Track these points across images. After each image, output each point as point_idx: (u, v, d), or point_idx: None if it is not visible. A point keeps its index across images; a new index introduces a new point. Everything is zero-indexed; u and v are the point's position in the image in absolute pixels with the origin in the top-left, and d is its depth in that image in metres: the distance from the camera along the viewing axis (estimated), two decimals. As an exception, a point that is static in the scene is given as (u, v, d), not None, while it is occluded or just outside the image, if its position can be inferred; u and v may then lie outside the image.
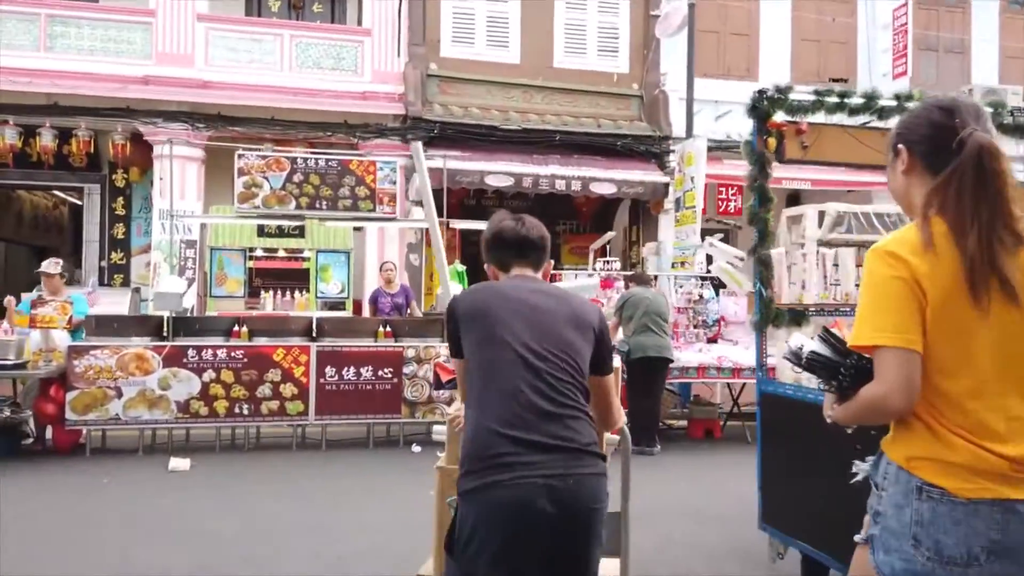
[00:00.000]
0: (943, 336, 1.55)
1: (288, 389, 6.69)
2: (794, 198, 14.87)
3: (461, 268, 8.16)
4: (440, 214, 9.36)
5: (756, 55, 13.00)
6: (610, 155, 11.85)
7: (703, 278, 8.65)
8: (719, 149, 11.95)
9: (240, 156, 7.66)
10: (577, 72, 12.21)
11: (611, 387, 2.29)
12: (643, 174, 11.59)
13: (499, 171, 10.91)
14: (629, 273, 7.90)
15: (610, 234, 11.13)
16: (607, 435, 2.57)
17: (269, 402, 6.66)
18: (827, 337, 1.69)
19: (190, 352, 6.51)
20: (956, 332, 1.56)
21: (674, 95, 12.23)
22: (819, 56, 13.17)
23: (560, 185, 11.08)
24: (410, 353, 6.91)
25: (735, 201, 14.20)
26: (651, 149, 12.08)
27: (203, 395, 6.54)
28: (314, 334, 6.99)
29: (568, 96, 12.13)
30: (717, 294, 8.12)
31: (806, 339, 1.78)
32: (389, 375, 6.87)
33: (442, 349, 6.80)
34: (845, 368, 1.64)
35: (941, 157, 1.63)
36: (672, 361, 6.90)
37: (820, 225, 8.56)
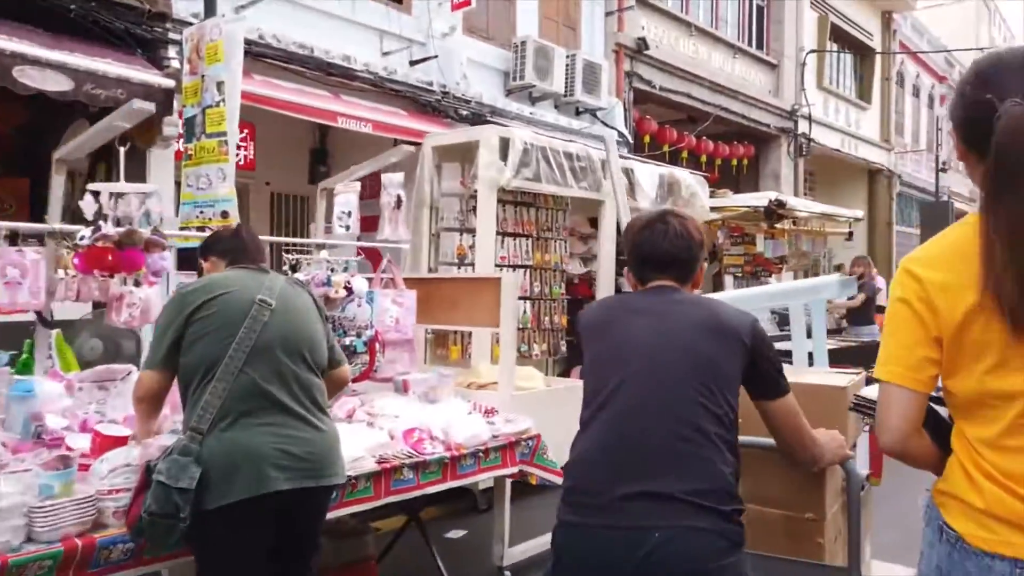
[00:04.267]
0: None
1: None
2: (320, 154, 11.20)
3: None
4: None
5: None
6: (55, 27, 6.42)
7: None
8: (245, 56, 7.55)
9: None
10: None
11: (790, 412, 1.84)
12: (125, 68, 6.48)
13: None
14: (207, 233, 2.88)
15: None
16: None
17: None
18: None
19: None
20: None
21: (169, -48, 7.35)
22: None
23: (-58, 58, 5.27)
24: None
25: (246, 149, 9.77)
26: (135, 30, 7.00)
27: None
28: None
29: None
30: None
31: None
32: None
33: None
34: None
35: (984, 142, 1.20)
36: (332, 490, 2.45)
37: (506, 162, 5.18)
